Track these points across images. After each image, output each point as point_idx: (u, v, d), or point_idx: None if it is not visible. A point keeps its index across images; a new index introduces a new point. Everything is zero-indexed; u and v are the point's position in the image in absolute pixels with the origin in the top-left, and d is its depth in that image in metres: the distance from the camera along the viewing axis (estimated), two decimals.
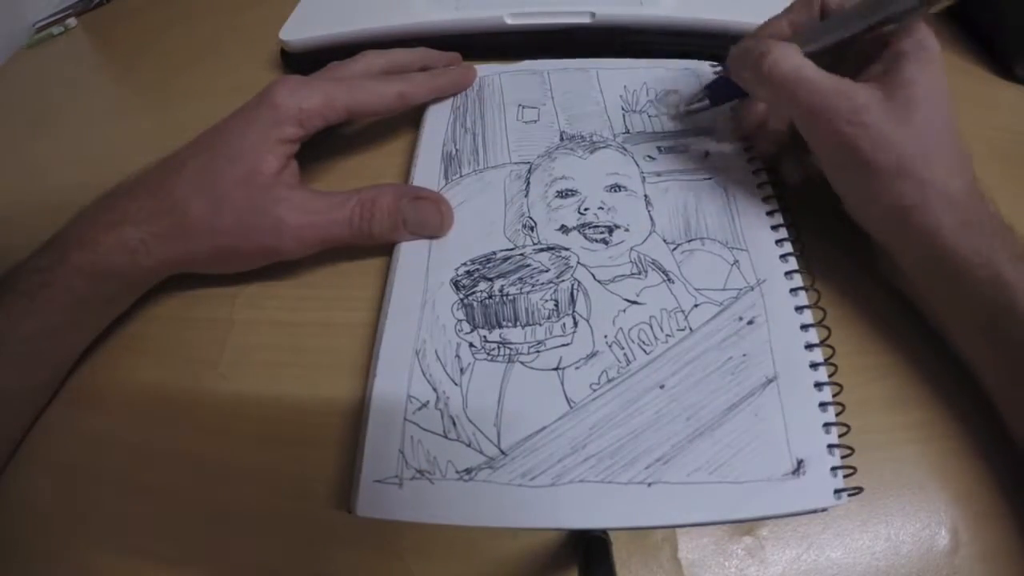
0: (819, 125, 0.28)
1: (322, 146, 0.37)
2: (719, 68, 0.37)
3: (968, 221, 0.26)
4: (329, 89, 0.32)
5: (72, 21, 0.56)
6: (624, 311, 0.28)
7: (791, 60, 0.28)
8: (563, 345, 0.27)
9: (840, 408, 0.25)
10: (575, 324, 0.28)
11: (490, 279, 0.29)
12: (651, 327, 0.27)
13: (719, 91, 0.35)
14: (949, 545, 0.24)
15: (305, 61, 0.45)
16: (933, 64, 0.27)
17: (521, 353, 0.27)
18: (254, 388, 0.29)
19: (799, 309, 0.27)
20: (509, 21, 0.42)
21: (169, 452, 0.28)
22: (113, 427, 0.29)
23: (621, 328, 0.27)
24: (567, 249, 0.30)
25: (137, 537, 0.26)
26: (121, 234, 0.28)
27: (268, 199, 0.30)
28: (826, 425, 0.24)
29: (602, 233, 0.31)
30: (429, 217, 0.31)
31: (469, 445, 0.24)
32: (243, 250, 0.30)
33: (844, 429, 0.24)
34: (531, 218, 0.32)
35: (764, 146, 0.34)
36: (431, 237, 0.31)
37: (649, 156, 0.34)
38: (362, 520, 0.23)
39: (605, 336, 0.27)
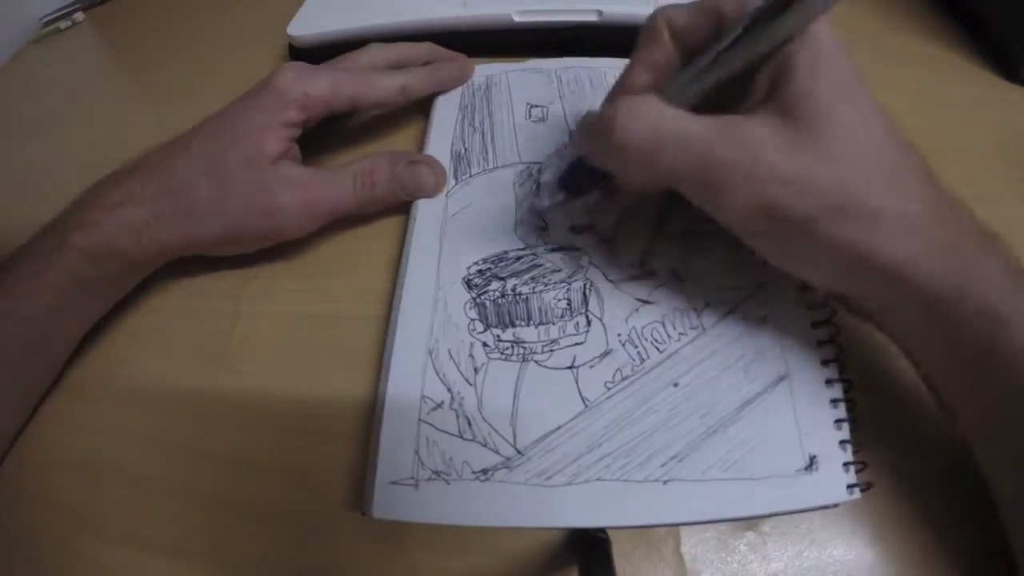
0: (709, 192, 0.21)
1: (327, 142, 0.36)
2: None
3: (939, 245, 0.20)
4: (333, 76, 0.32)
5: (79, 16, 0.55)
6: (637, 310, 0.27)
7: (646, 116, 0.21)
8: (577, 344, 0.26)
9: (851, 404, 0.24)
10: (588, 323, 0.27)
11: (502, 278, 0.29)
12: (664, 325, 0.27)
13: (578, 176, 0.27)
14: (954, 543, 0.23)
15: (313, 56, 0.43)
16: (831, 53, 0.20)
17: (535, 352, 0.26)
18: (260, 380, 0.28)
19: (810, 307, 0.27)
20: (517, 19, 0.41)
21: (174, 444, 0.27)
22: (118, 419, 0.28)
23: (634, 327, 0.27)
24: (578, 249, 0.30)
25: (140, 528, 0.25)
26: (124, 214, 0.27)
27: (272, 179, 0.30)
28: (837, 422, 0.24)
29: None
30: (425, 179, 0.32)
31: (485, 445, 0.24)
32: (251, 230, 0.30)
33: (855, 425, 0.24)
34: (542, 218, 0.31)
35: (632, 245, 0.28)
36: (429, 196, 0.32)
37: None
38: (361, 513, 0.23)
39: (619, 335, 0.27)
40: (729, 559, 0.23)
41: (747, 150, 0.20)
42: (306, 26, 0.43)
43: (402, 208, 0.33)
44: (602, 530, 0.22)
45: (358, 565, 0.24)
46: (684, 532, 0.24)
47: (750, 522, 0.24)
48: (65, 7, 0.55)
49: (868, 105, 0.21)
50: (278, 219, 0.30)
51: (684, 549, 0.23)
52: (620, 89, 0.26)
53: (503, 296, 0.28)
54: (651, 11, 0.25)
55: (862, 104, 0.20)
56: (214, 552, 0.24)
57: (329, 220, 0.32)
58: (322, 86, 0.31)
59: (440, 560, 0.23)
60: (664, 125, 0.21)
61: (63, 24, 0.54)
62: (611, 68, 0.39)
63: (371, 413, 0.26)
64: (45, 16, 0.55)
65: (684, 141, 0.21)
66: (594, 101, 0.37)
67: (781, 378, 0.25)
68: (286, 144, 0.31)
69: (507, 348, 0.26)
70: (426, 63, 0.38)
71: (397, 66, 0.36)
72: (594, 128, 0.23)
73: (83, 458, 0.27)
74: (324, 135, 0.33)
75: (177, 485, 0.26)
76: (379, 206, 0.32)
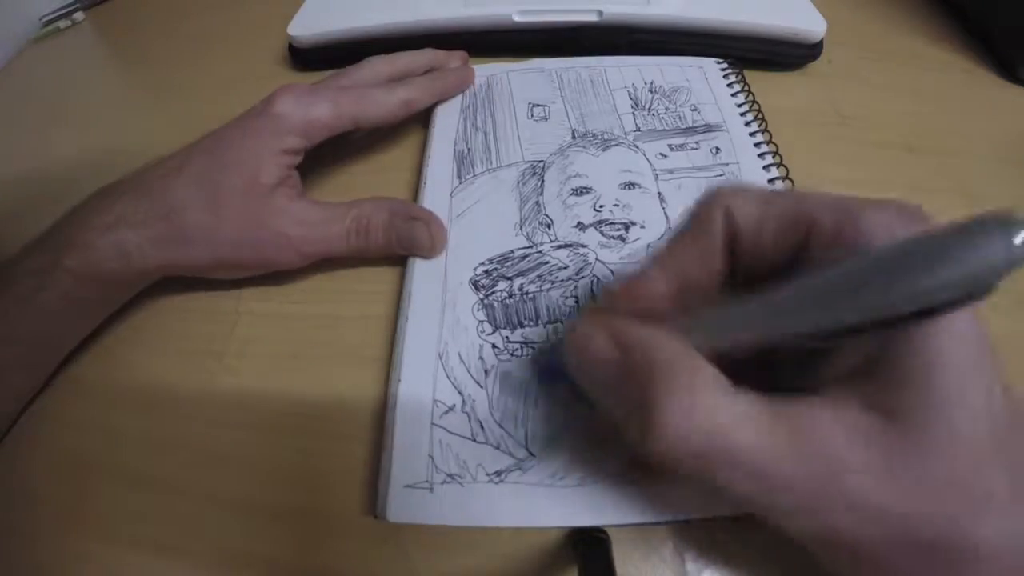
0: (766, 513, 0.17)
1: (332, 146, 0.34)
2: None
3: None
4: (335, 99, 0.30)
5: (79, 15, 0.53)
6: None
7: (705, 423, 0.15)
8: None
9: None
10: None
11: (509, 278, 0.28)
12: None
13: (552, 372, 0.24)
14: None
15: (313, 57, 0.42)
16: (975, 345, 0.15)
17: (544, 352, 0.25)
18: (260, 380, 0.27)
19: None
20: (517, 19, 0.40)
21: (174, 444, 0.26)
22: (117, 417, 0.27)
23: None
24: (584, 246, 0.29)
25: (139, 527, 0.24)
26: (116, 237, 0.26)
27: (268, 210, 0.28)
28: None
29: (619, 230, 0.29)
30: (419, 237, 0.29)
31: (498, 447, 0.23)
32: (240, 259, 0.28)
33: None
34: (547, 216, 0.30)
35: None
36: (424, 256, 0.29)
37: (660, 154, 0.33)
38: (365, 514, 0.22)
39: None
40: (729, 559, 0.22)
41: (823, 468, 0.15)
42: (306, 26, 0.42)
43: None
44: (602, 530, 0.21)
45: (357, 565, 0.23)
46: (684, 532, 0.23)
47: (751, 521, 0.23)
48: (65, 7, 0.53)
49: (987, 396, 0.15)
50: (268, 253, 0.28)
51: (684, 549, 0.22)
52: (627, 291, 0.19)
53: (511, 296, 0.27)
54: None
55: (981, 393, 0.15)
56: (212, 552, 0.23)
57: (320, 259, 0.30)
58: (323, 110, 0.29)
59: (440, 560, 0.22)
60: (722, 437, 0.15)
61: (63, 24, 0.52)
62: (611, 67, 0.38)
63: (372, 413, 0.25)
64: (45, 16, 0.53)
65: (740, 454, 0.15)
66: (596, 100, 0.36)
67: None
68: (284, 172, 0.29)
69: (516, 349, 0.26)
70: (428, 70, 0.37)
71: (399, 78, 0.34)
72: (614, 396, 0.17)
73: (82, 457, 0.26)
74: (324, 141, 0.31)
75: (173, 484, 0.25)
76: (372, 255, 0.30)
